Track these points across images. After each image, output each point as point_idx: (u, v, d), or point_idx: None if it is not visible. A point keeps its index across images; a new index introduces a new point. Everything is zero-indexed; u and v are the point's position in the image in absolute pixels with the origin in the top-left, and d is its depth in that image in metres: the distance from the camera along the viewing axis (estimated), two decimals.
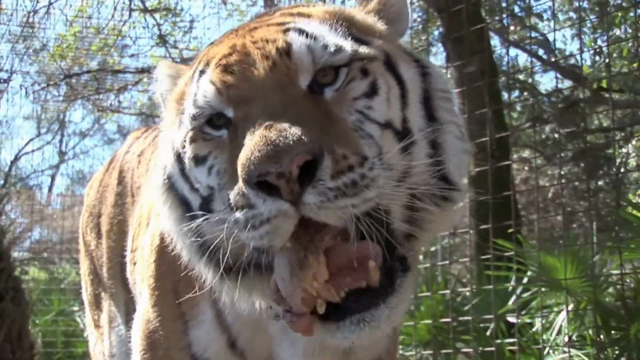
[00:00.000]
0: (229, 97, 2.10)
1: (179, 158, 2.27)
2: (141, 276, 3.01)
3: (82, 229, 4.52)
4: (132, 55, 16.61)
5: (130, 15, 15.39)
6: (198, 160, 2.17)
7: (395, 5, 2.50)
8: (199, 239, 2.21)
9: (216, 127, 2.14)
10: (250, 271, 2.20)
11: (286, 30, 2.19)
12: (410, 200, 2.13)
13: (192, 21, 16.53)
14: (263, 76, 2.09)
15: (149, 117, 18.74)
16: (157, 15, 15.92)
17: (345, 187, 1.89)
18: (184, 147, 2.22)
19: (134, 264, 3.25)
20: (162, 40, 16.03)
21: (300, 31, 2.18)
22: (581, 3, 14.16)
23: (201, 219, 2.15)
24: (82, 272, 4.53)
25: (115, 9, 15.07)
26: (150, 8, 15.61)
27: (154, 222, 2.93)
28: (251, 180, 1.84)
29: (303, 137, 1.83)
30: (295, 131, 1.84)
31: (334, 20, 2.24)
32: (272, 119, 1.91)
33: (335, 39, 2.16)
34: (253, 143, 1.86)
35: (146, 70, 16.27)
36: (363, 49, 2.20)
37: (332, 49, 2.13)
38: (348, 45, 2.17)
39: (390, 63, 2.27)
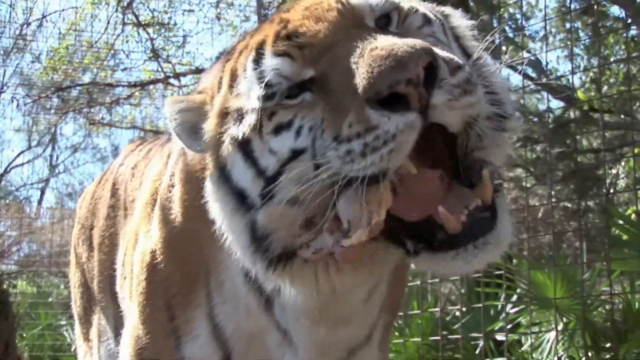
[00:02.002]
0: (305, 58, 2.08)
1: (242, 145, 2.20)
2: (130, 292, 3.00)
3: (73, 241, 4.50)
4: (124, 69, 16.64)
5: (123, 30, 15.44)
6: (281, 127, 2.11)
7: None
8: (254, 228, 2.19)
9: (292, 96, 2.10)
10: (298, 256, 2.19)
11: None
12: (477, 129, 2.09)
13: (185, 36, 16.60)
14: (335, 23, 2.10)
15: (141, 131, 18.73)
16: (150, 30, 15.96)
17: (464, 83, 1.89)
18: (259, 128, 2.15)
19: (124, 278, 3.24)
20: (155, 54, 16.06)
21: None
22: (574, 24, 14.25)
23: (281, 177, 2.08)
24: (73, 284, 4.50)
25: (108, 22, 15.12)
26: (143, 22, 15.65)
27: (143, 238, 2.92)
28: (380, 94, 1.81)
29: (416, 42, 1.84)
30: (404, 40, 1.86)
31: None
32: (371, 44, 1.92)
33: None
34: (368, 63, 1.84)
35: (139, 85, 16.32)
36: None
37: None
38: None
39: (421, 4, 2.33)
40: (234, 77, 2.30)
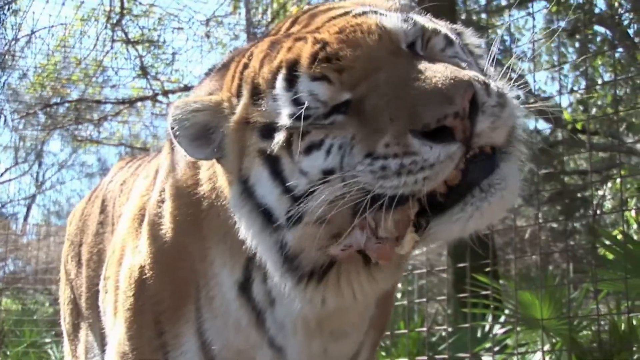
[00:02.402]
0: (343, 82, 2.09)
1: (270, 162, 2.20)
2: (113, 307, 2.98)
3: (63, 258, 4.49)
4: (113, 86, 16.63)
5: (112, 47, 15.44)
6: (312, 147, 2.10)
7: None
8: (285, 244, 2.19)
9: (325, 116, 2.10)
10: (334, 270, 2.23)
11: (363, 13, 2.24)
12: None
13: (174, 54, 16.61)
14: (374, 48, 2.11)
15: (128, 148, 18.69)
16: (139, 47, 15.97)
17: (498, 97, 1.94)
18: (288, 146, 2.15)
19: (106, 292, 3.22)
20: (144, 72, 16.06)
21: (375, 12, 2.24)
22: (562, 49, 14.35)
23: (312, 197, 2.07)
24: (62, 301, 4.49)
25: (97, 39, 15.12)
26: (132, 40, 15.66)
27: (130, 254, 2.90)
28: (428, 127, 1.85)
29: (456, 74, 1.88)
30: (450, 70, 1.90)
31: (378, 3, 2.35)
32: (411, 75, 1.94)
33: (400, 14, 2.22)
34: (413, 96, 1.89)
35: (127, 102, 16.31)
36: (418, 17, 2.28)
37: (411, 20, 2.19)
38: (414, 16, 2.25)
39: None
40: (256, 90, 2.28)
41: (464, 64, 2.17)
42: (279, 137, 2.16)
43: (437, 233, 2.06)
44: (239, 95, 2.34)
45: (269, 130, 2.20)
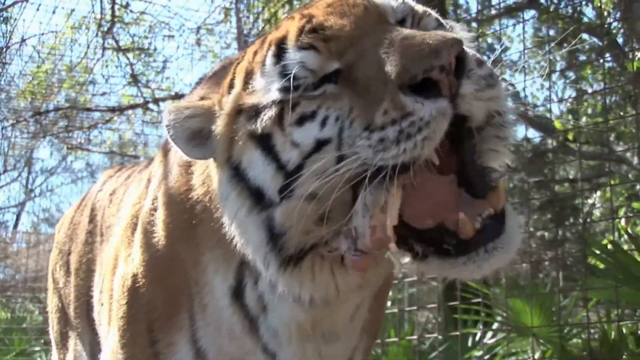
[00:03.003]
0: (330, 51, 2.11)
1: (262, 140, 2.20)
2: (109, 318, 2.97)
3: (51, 266, 4.48)
4: (103, 94, 16.61)
5: (103, 54, 15.42)
6: (305, 118, 2.11)
7: None
8: (270, 225, 2.19)
9: (314, 87, 2.12)
10: (309, 256, 2.21)
11: None
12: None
13: (165, 61, 16.61)
14: (361, 18, 2.15)
15: (118, 155, 18.66)
16: (130, 55, 15.96)
17: (489, 77, 1.97)
18: (279, 120, 2.16)
19: (102, 304, 3.21)
20: (135, 79, 16.05)
21: None
22: (550, 57, 14.40)
23: (303, 170, 2.09)
24: (50, 310, 4.48)
25: (88, 47, 15.10)
26: (123, 47, 15.65)
27: (123, 263, 2.90)
28: (414, 79, 1.86)
29: (445, 33, 1.93)
30: (434, 31, 1.96)
31: None
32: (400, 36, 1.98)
33: None
34: (401, 50, 1.91)
35: (117, 109, 16.28)
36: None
37: (399, 1, 2.25)
38: None
39: None
40: (249, 75, 2.31)
41: None
42: (269, 113, 2.18)
43: (432, 268, 2.09)
44: (230, 89, 2.37)
45: (258, 111, 2.22)
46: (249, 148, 2.23)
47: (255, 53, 2.35)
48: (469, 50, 2.00)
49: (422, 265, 2.08)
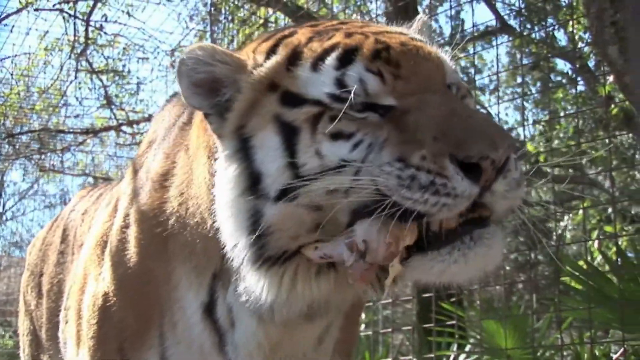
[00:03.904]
0: (395, 89, 2.12)
1: (287, 130, 2.16)
2: (76, 337, 2.94)
3: (22, 288, 4.43)
4: (77, 116, 16.51)
5: (76, 77, 15.36)
6: (340, 136, 2.09)
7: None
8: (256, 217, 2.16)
9: (359, 110, 2.11)
10: (292, 261, 2.19)
11: (417, 39, 2.34)
12: None
13: (139, 84, 16.55)
14: (433, 73, 2.19)
15: (92, 178, 18.52)
16: (103, 77, 15.90)
17: (519, 178, 2.04)
18: (314, 124, 2.13)
19: (66, 322, 3.18)
20: (108, 102, 15.98)
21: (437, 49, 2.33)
22: (525, 76, 14.55)
23: (317, 182, 2.08)
24: (21, 332, 4.43)
25: (61, 69, 15.03)
26: (97, 69, 15.59)
27: (93, 282, 2.87)
28: (469, 159, 1.91)
29: (504, 131, 2.03)
30: (496, 123, 1.99)
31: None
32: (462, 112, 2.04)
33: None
34: (465, 126, 1.97)
35: (91, 132, 16.20)
36: None
37: (454, 64, 2.32)
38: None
39: None
40: (297, 56, 2.27)
41: None
42: (308, 109, 2.16)
43: (415, 270, 2.07)
44: (270, 55, 2.32)
45: (295, 100, 2.19)
46: (269, 129, 2.19)
47: (311, 40, 2.30)
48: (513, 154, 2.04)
49: (407, 267, 2.06)
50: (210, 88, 2.31)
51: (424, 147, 1.96)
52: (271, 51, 2.33)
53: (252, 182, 2.17)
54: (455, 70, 2.32)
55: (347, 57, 2.19)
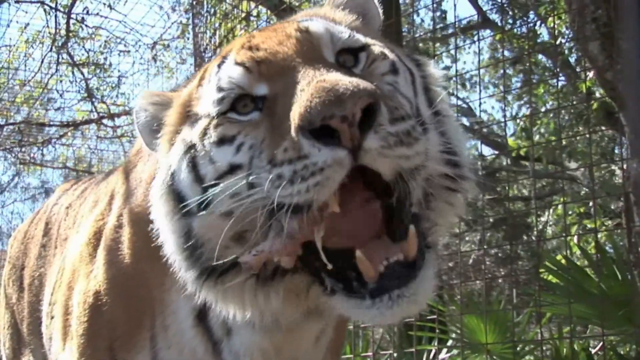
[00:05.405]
0: (261, 73, 2.11)
1: (188, 150, 2.21)
2: (62, 333, 2.93)
3: (3, 282, 4.40)
4: (58, 109, 16.45)
5: (57, 69, 15.28)
6: (224, 140, 2.11)
7: (367, 4, 2.59)
8: (189, 231, 2.17)
9: (242, 113, 2.12)
10: (232, 271, 2.16)
11: (299, 22, 2.28)
12: (427, 186, 2.12)
13: (120, 77, 16.52)
14: (294, 50, 2.13)
15: (72, 171, 18.45)
16: (85, 70, 15.84)
17: (403, 134, 1.88)
18: (204, 135, 2.17)
19: (51, 317, 3.16)
20: (89, 95, 15.92)
21: (312, 19, 2.30)
22: (507, 70, 14.59)
23: (217, 188, 2.07)
24: (2, 326, 4.39)
25: (42, 61, 14.95)
26: (78, 62, 15.52)
27: (84, 279, 2.85)
28: (312, 124, 1.81)
29: (361, 83, 1.83)
30: (352, 78, 1.86)
31: (332, 19, 2.38)
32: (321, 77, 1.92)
33: (344, 28, 2.27)
34: (310, 92, 1.84)
35: (72, 125, 16.13)
36: (370, 40, 2.28)
37: (345, 34, 2.22)
38: (358, 35, 2.26)
39: (394, 52, 2.34)
40: (202, 77, 2.33)
41: (398, 95, 2.16)
42: (200, 124, 2.20)
43: (339, 305, 2.05)
44: (188, 84, 2.40)
45: (196, 119, 2.25)
46: (179, 151, 2.25)
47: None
48: (391, 103, 1.95)
49: (331, 301, 2.05)
50: (153, 130, 2.42)
51: (286, 137, 1.91)
52: (191, 80, 2.43)
53: (177, 203, 2.21)
54: (348, 37, 2.22)
55: (222, 60, 2.24)
